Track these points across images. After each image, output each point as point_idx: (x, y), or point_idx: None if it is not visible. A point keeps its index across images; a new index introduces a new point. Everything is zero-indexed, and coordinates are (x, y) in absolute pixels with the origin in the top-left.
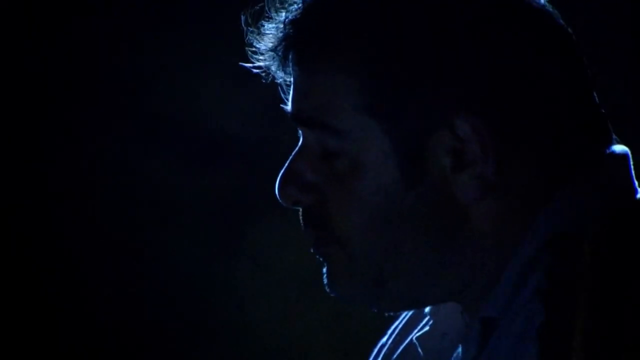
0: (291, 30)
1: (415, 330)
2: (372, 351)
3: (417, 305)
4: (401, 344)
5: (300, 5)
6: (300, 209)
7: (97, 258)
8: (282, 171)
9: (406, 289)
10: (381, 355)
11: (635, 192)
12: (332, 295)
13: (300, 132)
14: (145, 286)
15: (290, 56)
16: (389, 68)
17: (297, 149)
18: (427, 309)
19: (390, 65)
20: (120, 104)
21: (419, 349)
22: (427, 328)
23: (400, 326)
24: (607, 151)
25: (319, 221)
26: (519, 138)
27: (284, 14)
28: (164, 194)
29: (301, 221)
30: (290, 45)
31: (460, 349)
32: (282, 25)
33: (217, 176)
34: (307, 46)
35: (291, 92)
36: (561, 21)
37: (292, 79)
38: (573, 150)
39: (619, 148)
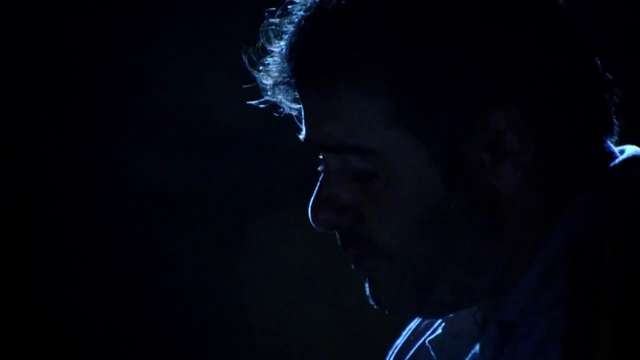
0: (298, 60)
1: (428, 333)
2: (387, 353)
3: (458, 308)
4: (414, 344)
5: (297, 29)
6: (337, 232)
7: (96, 253)
8: (312, 199)
9: (450, 293)
10: (393, 355)
11: None
12: (377, 308)
13: (322, 157)
14: (145, 281)
15: (301, 86)
16: (411, 78)
17: (323, 175)
18: None
19: (411, 74)
20: (122, 99)
21: (432, 352)
22: (439, 330)
23: (413, 327)
24: (621, 152)
25: (360, 239)
26: (552, 132)
27: (282, 43)
28: (165, 189)
29: (340, 242)
30: (300, 75)
31: (477, 349)
32: (285, 57)
33: (218, 171)
34: (319, 73)
35: (308, 121)
36: (569, 12)
37: (305, 108)
38: (589, 151)
39: (632, 149)
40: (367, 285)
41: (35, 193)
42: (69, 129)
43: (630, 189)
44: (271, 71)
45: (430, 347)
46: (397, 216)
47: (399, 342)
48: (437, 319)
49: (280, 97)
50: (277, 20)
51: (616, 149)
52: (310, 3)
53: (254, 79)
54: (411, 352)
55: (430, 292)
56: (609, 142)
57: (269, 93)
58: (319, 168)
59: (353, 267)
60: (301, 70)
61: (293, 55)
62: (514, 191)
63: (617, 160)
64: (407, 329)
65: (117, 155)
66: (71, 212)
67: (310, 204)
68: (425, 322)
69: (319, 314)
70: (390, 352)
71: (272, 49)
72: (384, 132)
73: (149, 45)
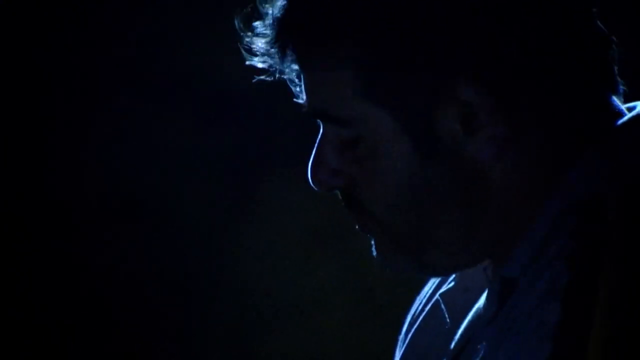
0: (281, 29)
1: (443, 287)
2: (404, 320)
3: (460, 268)
4: (429, 303)
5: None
6: (339, 193)
7: (99, 218)
8: (311, 160)
9: (446, 256)
10: (410, 318)
11: None
12: (382, 267)
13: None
14: (150, 246)
15: (288, 53)
16: (378, 52)
17: (319, 137)
18: None
19: (382, 48)
20: (124, 65)
21: (442, 305)
22: (452, 284)
23: (430, 290)
24: (627, 110)
25: (354, 203)
26: (527, 97)
27: (270, 10)
28: (169, 152)
29: (343, 203)
30: (285, 44)
31: (481, 304)
32: (272, 24)
33: (223, 133)
34: (299, 44)
35: (302, 86)
36: None
37: (297, 74)
38: (591, 110)
39: None
40: (372, 243)
41: (39, 156)
42: (72, 94)
43: (635, 147)
44: (261, 38)
45: (440, 300)
46: (379, 184)
47: (421, 299)
48: (440, 277)
49: (273, 62)
50: None
51: (625, 106)
52: None
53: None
54: (427, 309)
55: (424, 257)
56: (616, 100)
57: (261, 59)
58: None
59: (357, 227)
60: (283, 40)
61: (275, 24)
62: (491, 160)
63: (624, 118)
64: (424, 292)
65: (120, 119)
66: (74, 175)
67: (309, 165)
68: (441, 279)
69: (327, 273)
70: (407, 320)
71: (263, 13)
72: (356, 105)
73: (151, 9)
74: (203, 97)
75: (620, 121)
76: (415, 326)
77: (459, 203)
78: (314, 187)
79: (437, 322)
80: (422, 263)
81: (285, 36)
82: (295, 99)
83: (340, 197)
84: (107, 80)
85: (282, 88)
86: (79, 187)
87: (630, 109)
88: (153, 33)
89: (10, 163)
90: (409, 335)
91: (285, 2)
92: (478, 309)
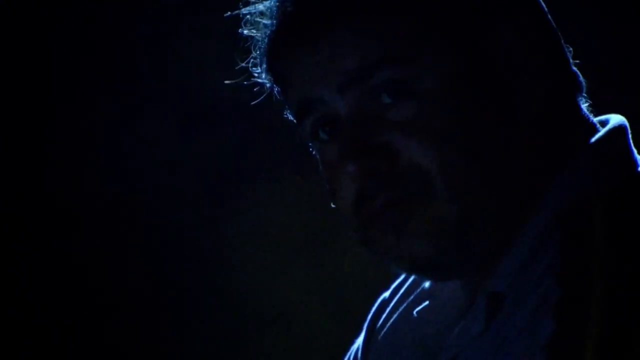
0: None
1: (412, 299)
2: (373, 305)
3: (488, 260)
4: (397, 310)
5: None
6: (368, 181)
7: (88, 217)
8: (343, 149)
9: (488, 235)
10: (383, 316)
11: (637, 163)
12: (401, 266)
13: (341, 104)
14: (136, 248)
15: (311, 30)
16: None
17: (346, 122)
18: (426, 284)
19: None
20: (117, 66)
21: (418, 322)
22: (426, 302)
23: (401, 291)
24: (604, 121)
25: (395, 179)
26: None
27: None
28: (157, 156)
29: (369, 194)
30: (318, 15)
31: (466, 320)
32: (286, 9)
33: (210, 139)
34: (341, 6)
35: (317, 70)
36: None
37: (314, 57)
38: (579, 115)
39: (616, 118)
40: (391, 248)
41: (30, 153)
42: (64, 95)
43: (616, 159)
44: (262, 28)
45: (417, 317)
46: (434, 136)
47: (387, 296)
48: (453, 280)
49: (264, 66)
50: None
51: (600, 118)
52: None
53: (248, 41)
54: (395, 316)
55: (468, 236)
56: (582, 105)
57: (260, 54)
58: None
59: (377, 227)
60: (319, 9)
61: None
62: (530, 112)
63: (603, 131)
64: (395, 285)
65: (109, 120)
66: (66, 174)
67: (341, 155)
68: (409, 285)
69: (309, 279)
70: (376, 305)
71: (260, 8)
72: (412, 46)
73: (145, 11)
74: (188, 101)
75: (598, 135)
76: (384, 349)
77: (516, 156)
78: (351, 172)
79: (412, 341)
80: (466, 244)
81: (320, 5)
82: (286, 111)
83: (367, 188)
84: (89, 82)
85: (269, 94)
86: (76, 188)
87: (603, 122)
88: (145, 36)
89: (8, 163)
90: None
91: None
92: (462, 325)
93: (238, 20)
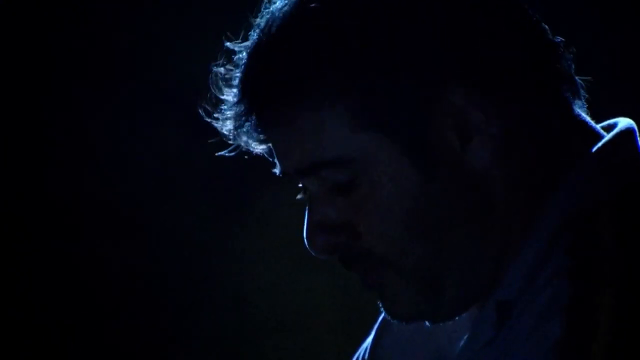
0: (250, 98)
1: None
2: (356, 353)
3: (472, 301)
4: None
5: (243, 69)
6: (338, 255)
7: (95, 222)
8: (305, 229)
9: (462, 288)
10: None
11: None
12: (395, 321)
13: (300, 184)
14: (144, 251)
15: (260, 121)
16: (362, 81)
17: (307, 202)
18: None
19: (361, 77)
20: (122, 69)
21: (432, 331)
22: None
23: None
24: (612, 125)
25: (360, 253)
26: (513, 97)
27: (233, 89)
28: (164, 162)
29: (344, 264)
30: (257, 111)
31: (475, 329)
32: (238, 98)
33: (214, 144)
34: (273, 103)
35: (278, 153)
36: None
37: (272, 142)
38: (573, 124)
39: (624, 122)
40: (379, 302)
41: (34, 155)
42: (70, 100)
43: (623, 163)
44: (228, 115)
45: (431, 326)
46: (384, 220)
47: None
48: (452, 320)
49: (244, 139)
50: (222, 69)
51: (608, 122)
52: (250, 45)
53: (218, 127)
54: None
55: (440, 294)
56: (578, 109)
57: (232, 138)
58: (298, 196)
59: (362, 285)
60: (255, 106)
61: (245, 93)
62: (489, 165)
63: (608, 136)
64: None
65: (116, 124)
66: (71, 178)
67: (305, 234)
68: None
69: (319, 280)
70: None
71: (224, 97)
72: (350, 140)
73: (148, 14)
74: (193, 103)
75: (603, 140)
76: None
77: (466, 219)
78: (315, 253)
79: (427, 351)
80: (438, 302)
81: (256, 103)
82: (274, 169)
83: (340, 260)
84: (96, 85)
85: None
86: (77, 189)
87: (609, 126)
88: (144, 37)
89: (9, 164)
90: None
91: (253, 63)
92: (472, 333)
93: (246, 20)
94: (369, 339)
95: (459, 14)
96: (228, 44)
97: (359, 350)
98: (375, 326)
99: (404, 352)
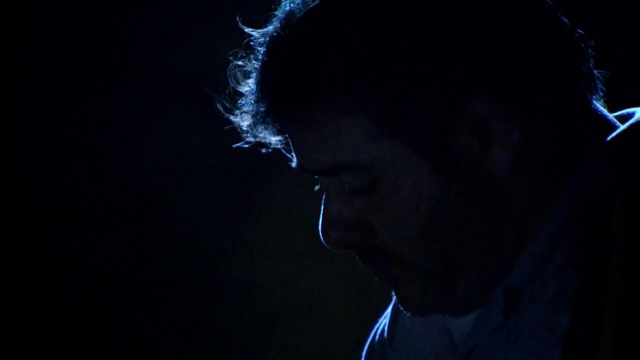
0: (270, 97)
1: None
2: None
3: (484, 300)
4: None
5: (262, 66)
6: (354, 249)
7: (101, 218)
8: (321, 222)
9: (474, 287)
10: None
11: None
12: (408, 312)
13: (318, 179)
14: (154, 242)
15: (279, 120)
16: (383, 87)
17: (324, 197)
18: None
19: (382, 84)
20: (127, 64)
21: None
22: None
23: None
24: (620, 118)
25: (376, 251)
26: (531, 103)
27: (251, 82)
28: (176, 152)
29: (359, 259)
30: (276, 111)
31: (483, 315)
32: (257, 96)
33: (222, 135)
34: (293, 105)
35: (295, 150)
36: None
37: (290, 138)
38: (586, 118)
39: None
40: (393, 294)
41: (40, 149)
42: (78, 91)
43: (633, 154)
44: (246, 112)
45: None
46: (403, 223)
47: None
48: (466, 315)
49: (262, 134)
50: (240, 62)
51: (626, 111)
52: (269, 36)
53: (234, 118)
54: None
55: (454, 291)
56: (596, 103)
57: (250, 133)
58: (316, 187)
59: (376, 279)
60: (276, 107)
61: (264, 93)
62: (508, 172)
63: (622, 127)
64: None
65: (128, 118)
66: (77, 171)
67: (320, 226)
68: None
69: (328, 272)
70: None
71: (242, 90)
72: (370, 146)
73: (153, 10)
74: (205, 97)
75: (618, 130)
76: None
77: (483, 223)
78: (329, 247)
79: (439, 331)
80: (451, 299)
81: (276, 103)
82: (290, 163)
83: (356, 254)
84: (109, 79)
85: None
86: (81, 186)
87: (624, 117)
88: (155, 30)
89: (11, 163)
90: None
91: (274, 62)
92: (480, 318)
93: (265, 10)
94: (386, 319)
95: (480, 22)
96: (247, 30)
97: (374, 330)
98: (391, 306)
99: (417, 332)
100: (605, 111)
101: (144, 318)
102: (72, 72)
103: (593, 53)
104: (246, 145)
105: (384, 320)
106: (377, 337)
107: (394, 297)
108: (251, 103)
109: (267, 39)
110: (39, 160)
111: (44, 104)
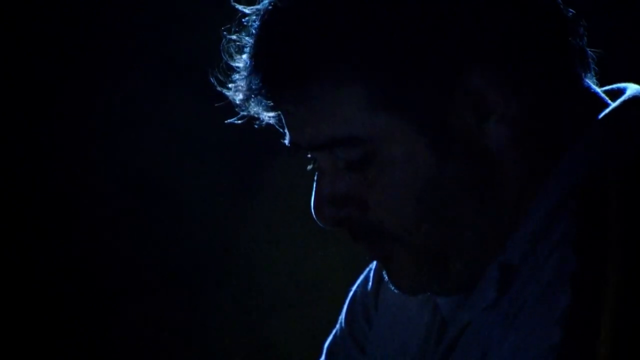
0: (265, 70)
1: None
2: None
3: (473, 279)
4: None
5: (257, 40)
6: (346, 228)
7: (108, 196)
8: (313, 199)
9: (468, 264)
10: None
11: None
12: (399, 291)
13: (311, 157)
14: (158, 224)
15: (274, 94)
16: (380, 60)
17: (318, 173)
18: None
19: (379, 57)
20: (127, 51)
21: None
22: None
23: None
24: (619, 89)
25: (369, 228)
26: (529, 82)
27: (245, 57)
28: (178, 134)
29: (351, 236)
30: (271, 84)
31: (478, 291)
32: (251, 70)
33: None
34: (289, 79)
35: (289, 126)
36: None
37: (284, 114)
38: (583, 95)
39: (633, 89)
40: (384, 273)
41: (39, 140)
42: (78, 80)
43: (630, 130)
44: (240, 86)
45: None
46: (398, 198)
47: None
48: (456, 295)
49: (255, 109)
50: (234, 35)
51: (616, 86)
52: (263, 11)
53: (226, 95)
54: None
55: (446, 268)
56: (588, 81)
57: (243, 108)
58: (309, 167)
59: (368, 258)
60: (271, 80)
61: (259, 66)
62: (505, 146)
63: (615, 103)
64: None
65: (125, 100)
66: (82, 155)
67: (313, 204)
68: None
69: (333, 258)
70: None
71: (236, 64)
72: (366, 119)
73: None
74: (208, 82)
75: (611, 107)
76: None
77: (478, 198)
78: (322, 224)
79: (425, 303)
80: (443, 277)
81: (272, 75)
82: (283, 140)
83: (348, 232)
84: (110, 67)
85: None
86: (84, 175)
87: (614, 92)
88: (157, 17)
89: (13, 156)
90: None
91: (265, 36)
92: (473, 295)
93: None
94: (368, 284)
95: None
96: (239, 7)
97: (353, 293)
98: (372, 272)
99: (404, 305)
100: (597, 88)
101: (141, 305)
102: (73, 60)
103: (586, 32)
104: (239, 122)
105: (360, 287)
106: (359, 291)
107: (376, 264)
108: (245, 77)
109: (262, 12)
110: (39, 152)
111: (45, 92)
